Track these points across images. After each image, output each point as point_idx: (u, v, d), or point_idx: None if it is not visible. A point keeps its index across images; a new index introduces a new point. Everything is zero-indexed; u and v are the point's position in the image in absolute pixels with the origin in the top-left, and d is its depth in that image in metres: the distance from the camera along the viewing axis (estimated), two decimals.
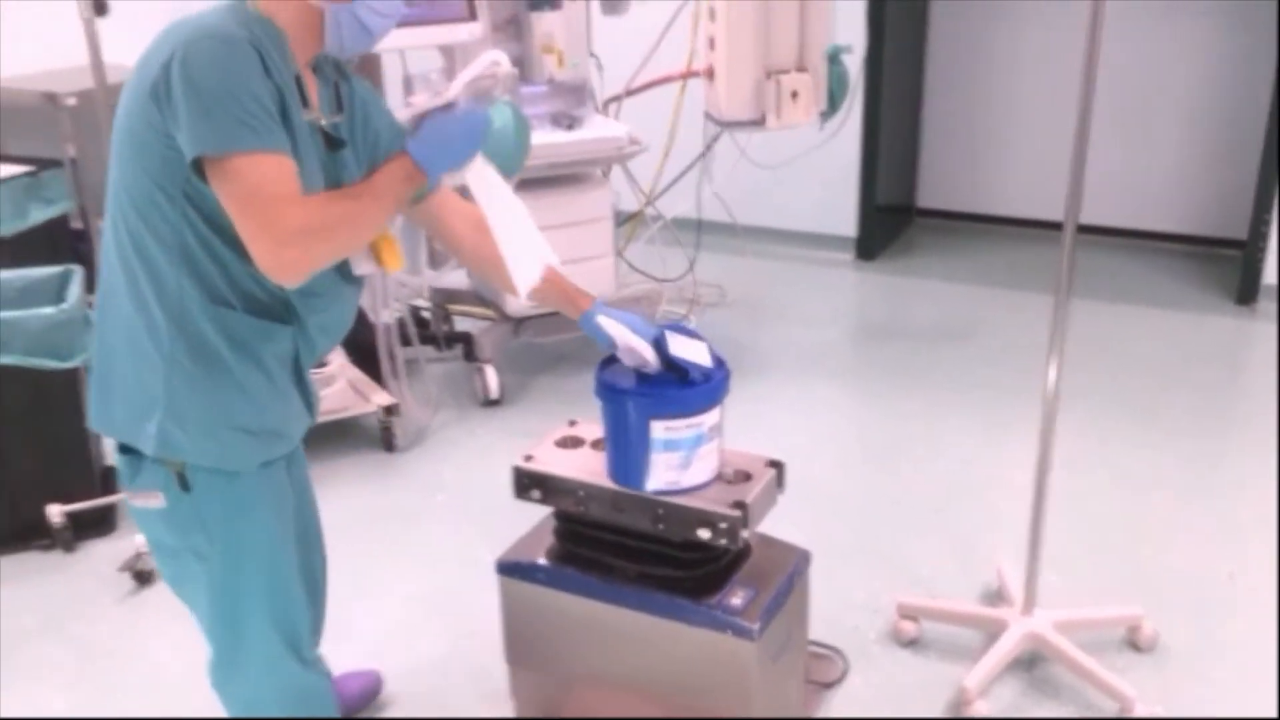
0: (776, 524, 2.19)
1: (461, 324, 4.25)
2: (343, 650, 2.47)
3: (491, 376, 3.77)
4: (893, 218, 5.37)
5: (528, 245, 1.85)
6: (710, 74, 3.64)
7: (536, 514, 2.27)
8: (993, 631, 2.48)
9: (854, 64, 3.85)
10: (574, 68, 3.79)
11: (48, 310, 2.91)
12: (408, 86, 3.74)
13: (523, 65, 3.73)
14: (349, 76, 1.87)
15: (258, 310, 1.69)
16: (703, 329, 2.41)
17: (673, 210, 4.27)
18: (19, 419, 2.94)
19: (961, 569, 2.84)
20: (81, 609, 2.79)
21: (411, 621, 2.73)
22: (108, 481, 3.19)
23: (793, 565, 2.17)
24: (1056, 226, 2.29)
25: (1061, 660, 2.42)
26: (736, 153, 3.97)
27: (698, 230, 4.29)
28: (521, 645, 2.27)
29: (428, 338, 4.06)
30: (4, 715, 2.46)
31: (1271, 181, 4.35)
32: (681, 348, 2.01)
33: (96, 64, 2.82)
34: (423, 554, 3.01)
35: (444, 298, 4.20)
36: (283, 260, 1.57)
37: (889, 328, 4.48)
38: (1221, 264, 4.85)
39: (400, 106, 3.74)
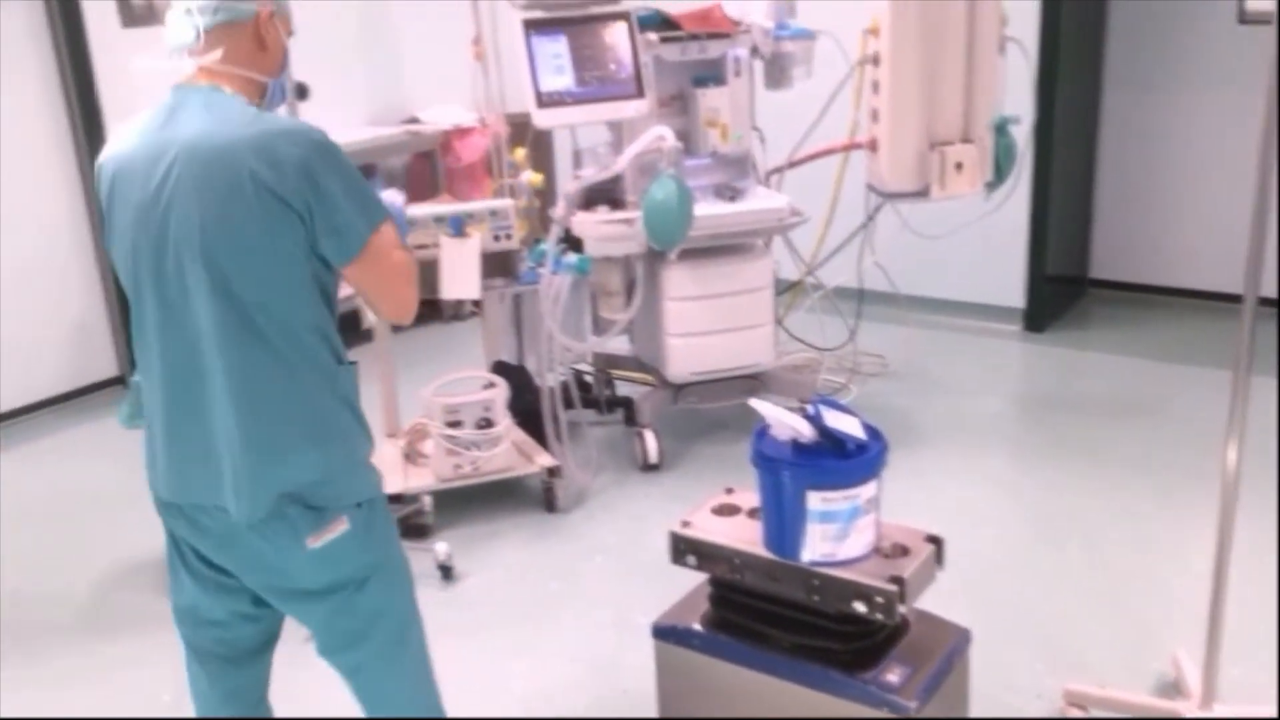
0: (935, 600, 2.15)
1: (622, 389, 4.35)
2: (500, 706, 2.55)
3: (651, 441, 3.83)
4: (1064, 289, 5.22)
5: None
6: (873, 146, 3.66)
7: (692, 579, 2.30)
8: None
9: (1022, 134, 3.81)
10: (737, 141, 3.87)
11: None
12: (577, 160, 3.91)
13: (687, 139, 3.84)
14: None
15: (341, 359, 1.89)
16: (863, 399, 2.41)
17: (833, 279, 4.28)
18: None
19: (1134, 657, 2.71)
20: None
21: (568, 680, 2.78)
22: None
23: (952, 643, 2.13)
24: (1236, 299, 2.21)
25: None
26: (899, 222, 3.97)
27: (859, 299, 4.29)
28: (675, 709, 2.29)
29: (590, 402, 4.16)
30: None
31: None
32: (836, 420, 2.03)
33: None
34: (580, 614, 3.07)
35: (606, 363, 4.31)
36: (411, 301, 1.90)
37: (1058, 401, 4.35)
38: None
39: (569, 178, 3.91)
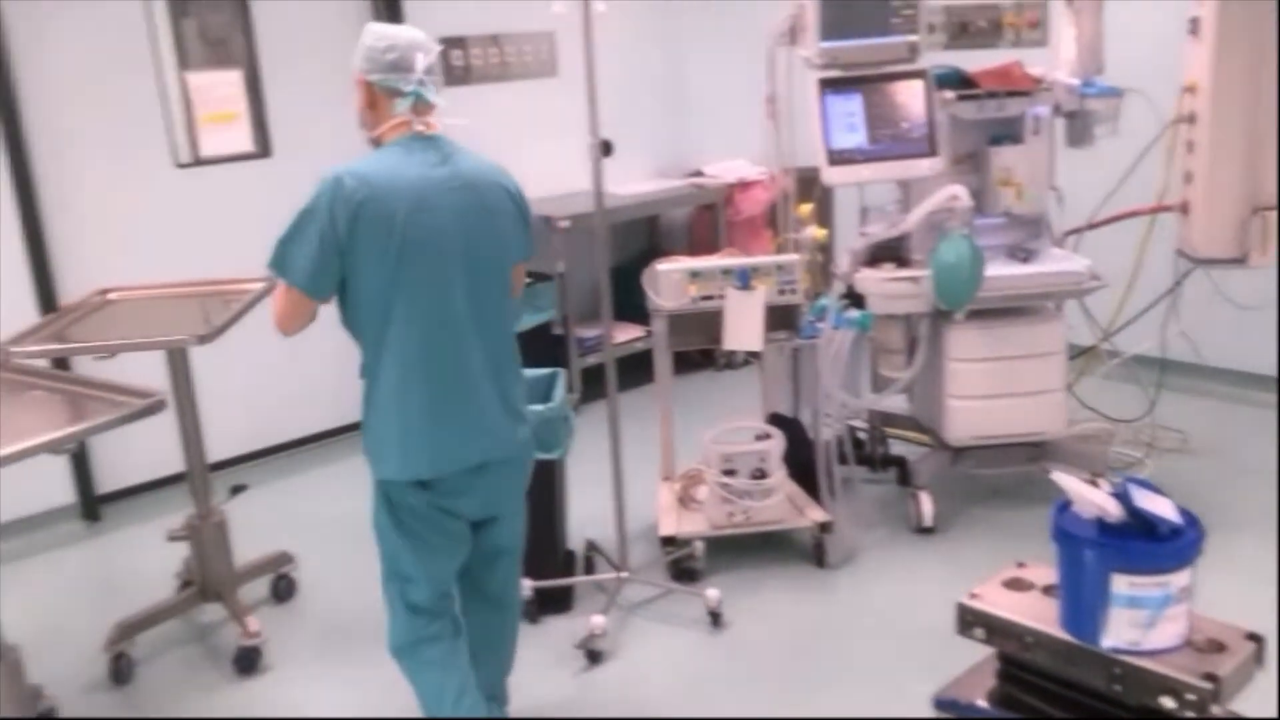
0: (1254, 705, 1.99)
1: (897, 448, 4.28)
2: None
3: (926, 503, 3.75)
4: None
5: None
6: (1185, 209, 3.46)
7: (967, 649, 2.22)
8: None
9: None
10: (1032, 200, 3.75)
11: (538, 407, 3.32)
12: (863, 217, 3.91)
13: (979, 198, 3.76)
14: None
15: None
16: (1160, 476, 2.28)
17: (1132, 346, 4.05)
18: None
19: None
20: (540, 674, 3.09)
21: None
22: (569, 564, 3.54)
23: None
24: None
25: None
26: (1209, 289, 3.72)
27: (1159, 369, 4.03)
28: None
29: (863, 459, 4.12)
30: None
31: None
32: (1146, 500, 1.92)
33: (598, 195, 3.22)
34: (851, 675, 3.03)
35: (881, 420, 4.25)
36: None
37: None
38: None
39: (853, 234, 3.91)
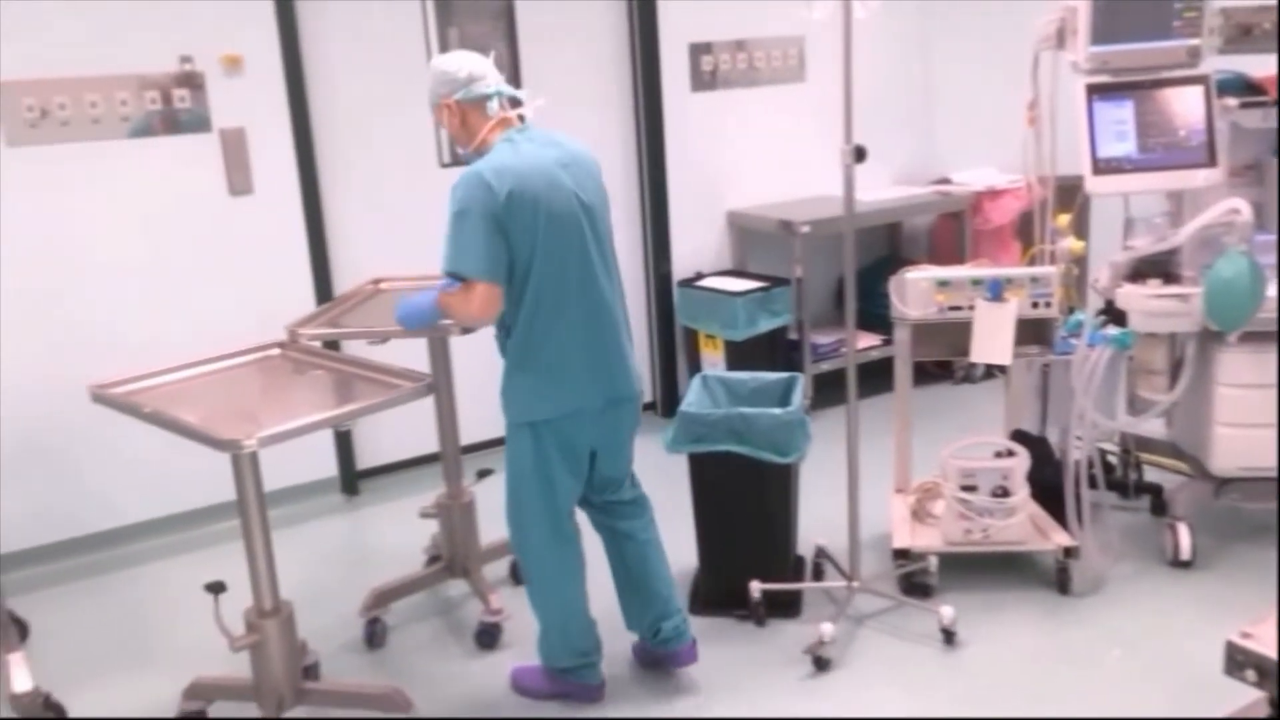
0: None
1: (1151, 474, 4.04)
2: None
3: (1184, 535, 3.52)
4: None
5: None
6: None
7: (1226, 691, 2.07)
8: None
9: None
10: None
11: (776, 411, 3.33)
12: (1127, 229, 3.71)
13: (1260, 212, 3.48)
14: None
15: None
16: None
17: None
18: (742, 501, 3.38)
19: None
20: (767, 679, 3.10)
21: None
22: (799, 569, 3.53)
23: None
24: None
25: None
26: None
27: None
28: None
29: (1114, 484, 3.91)
30: None
31: None
32: None
33: (849, 201, 3.20)
34: (1092, 708, 2.89)
35: (1136, 444, 4.02)
36: None
37: None
38: None
39: (1115, 247, 3.72)
